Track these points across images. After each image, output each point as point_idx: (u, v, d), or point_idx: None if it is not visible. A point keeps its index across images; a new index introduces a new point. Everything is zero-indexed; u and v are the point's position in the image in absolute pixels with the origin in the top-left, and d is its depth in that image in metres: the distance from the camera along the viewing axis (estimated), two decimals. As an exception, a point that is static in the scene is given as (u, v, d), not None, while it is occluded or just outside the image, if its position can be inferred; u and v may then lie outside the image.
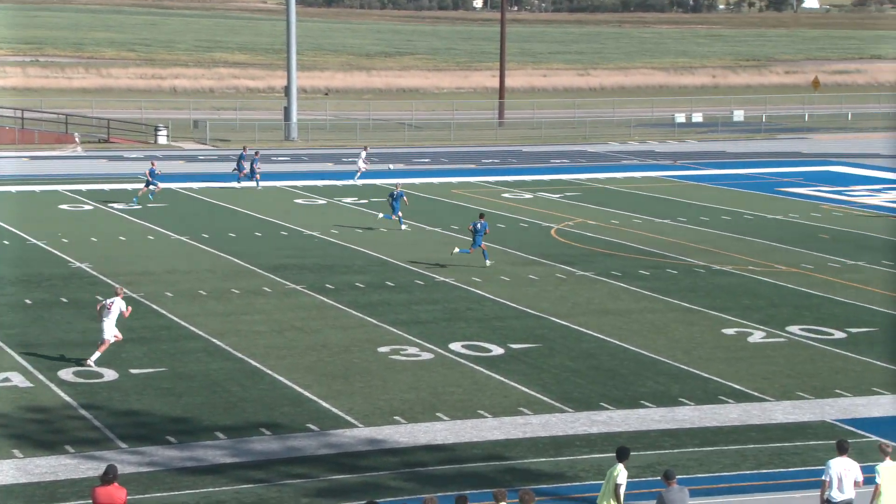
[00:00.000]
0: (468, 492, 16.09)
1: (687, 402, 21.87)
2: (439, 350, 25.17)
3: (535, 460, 19.03)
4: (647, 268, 33.24)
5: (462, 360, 24.44)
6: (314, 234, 38.83)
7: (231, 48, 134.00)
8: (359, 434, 20.15)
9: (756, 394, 22.34)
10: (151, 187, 43.95)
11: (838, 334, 26.35)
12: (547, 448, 19.53)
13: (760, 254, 35.26)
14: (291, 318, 27.81)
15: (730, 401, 21.92)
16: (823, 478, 15.73)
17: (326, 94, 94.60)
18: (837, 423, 20.67)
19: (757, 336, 26.25)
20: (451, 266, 33.52)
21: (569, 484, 18.12)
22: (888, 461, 15.68)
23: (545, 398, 22.05)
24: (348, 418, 20.90)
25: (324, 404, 21.67)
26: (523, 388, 22.60)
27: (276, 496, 17.65)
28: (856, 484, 15.68)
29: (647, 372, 23.69)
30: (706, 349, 25.27)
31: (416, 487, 17.76)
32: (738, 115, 78.18)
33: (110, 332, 23.45)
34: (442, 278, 31.95)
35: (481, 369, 23.83)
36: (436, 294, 30.21)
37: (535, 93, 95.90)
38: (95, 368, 23.36)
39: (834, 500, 15.64)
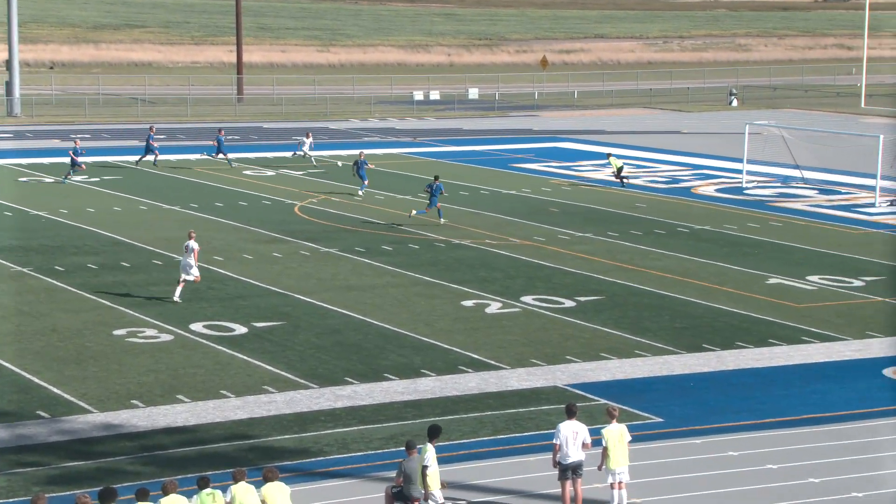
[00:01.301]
0: (209, 473, 15.83)
1: (429, 373, 22.37)
2: (179, 331, 24.60)
3: (279, 437, 18.97)
4: (389, 243, 33.67)
5: (204, 341, 23.99)
6: (41, 213, 37.00)
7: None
8: (93, 419, 19.46)
9: (493, 362, 23.12)
10: (75, 167, 42.00)
11: (568, 303, 27.61)
12: (291, 425, 19.51)
13: (496, 227, 36.43)
14: (18, 302, 26.44)
15: (469, 370, 22.58)
16: (554, 441, 16.44)
17: (51, 67, 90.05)
18: (568, 388, 21.69)
19: (494, 307, 27.14)
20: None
21: (313, 459, 18.18)
22: (614, 423, 16.57)
23: (290, 375, 21.99)
24: (82, 404, 20.13)
25: (55, 390, 20.78)
26: (268, 367, 22.44)
27: (5, 486, 16.82)
28: (584, 445, 16.45)
29: (391, 345, 24.04)
30: (447, 321, 25.91)
31: (155, 471, 17.34)
32: (473, 93, 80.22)
33: (190, 272, 26.40)
34: (181, 258, 31.17)
35: (224, 349, 23.48)
36: (175, 274, 29.45)
37: (275, 69, 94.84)
38: None
39: (564, 462, 16.38)
